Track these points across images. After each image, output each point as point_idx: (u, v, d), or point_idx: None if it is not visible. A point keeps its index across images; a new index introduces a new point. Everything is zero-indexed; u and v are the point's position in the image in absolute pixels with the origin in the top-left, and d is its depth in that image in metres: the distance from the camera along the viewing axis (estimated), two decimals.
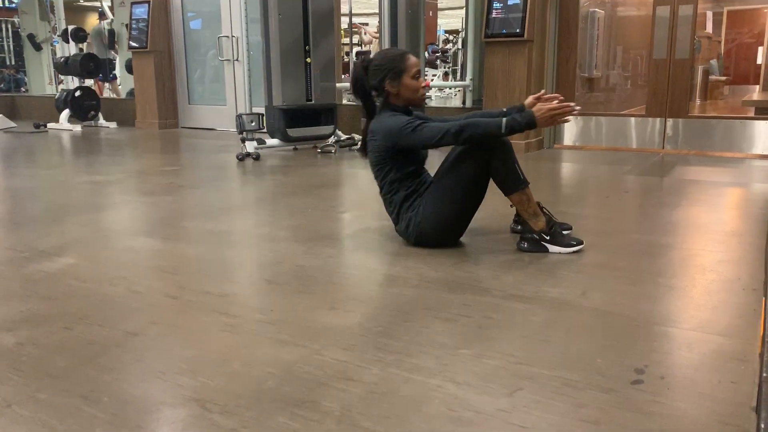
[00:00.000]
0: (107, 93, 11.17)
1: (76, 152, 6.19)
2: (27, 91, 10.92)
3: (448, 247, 2.64)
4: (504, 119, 2.42)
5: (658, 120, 5.64)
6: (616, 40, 8.04)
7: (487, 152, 2.50)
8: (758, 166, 4.76)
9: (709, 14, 10.41)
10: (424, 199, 2.61)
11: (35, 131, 8.13)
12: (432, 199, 2.59)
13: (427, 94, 8.43)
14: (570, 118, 2.49)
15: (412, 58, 2.65)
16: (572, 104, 2.45)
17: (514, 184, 2.55)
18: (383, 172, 2.65)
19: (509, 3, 5.39)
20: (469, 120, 2.49)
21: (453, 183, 2.57)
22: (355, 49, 11.46)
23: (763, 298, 1.97)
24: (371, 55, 2.77)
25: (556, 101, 2.48)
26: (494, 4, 5.46)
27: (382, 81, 2.61)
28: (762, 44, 10.65)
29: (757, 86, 10.49)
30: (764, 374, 1.30)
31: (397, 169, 2.62)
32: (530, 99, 2.68)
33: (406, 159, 2.62)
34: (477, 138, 2.47)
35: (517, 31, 5.35)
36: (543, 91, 2.69)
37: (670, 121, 5.60)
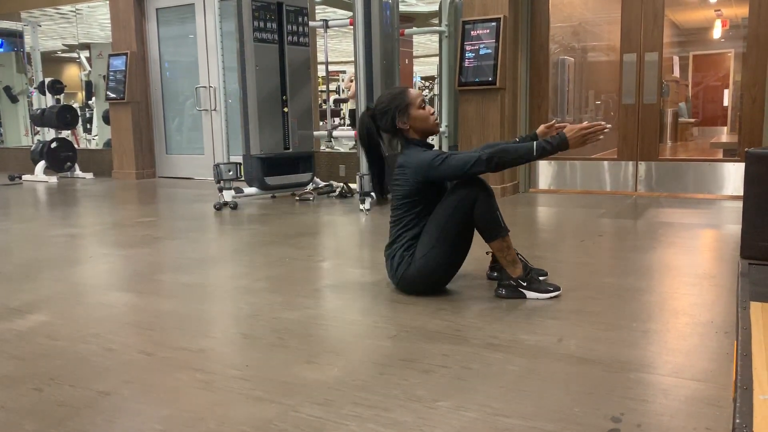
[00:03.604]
0: (84, 143, 11.16)
1: (52, 204, 6.14)
2: (2, 142, 10.86)
3: (426, 296, 2.65)
4: (535, 143, 2.47)
5: (630, 163, 5.76)
6: (587, 86, 8.25)
7: (471, 200, 2.53)
8: (729, 207, 4.86)
9: (676, 59, 10.73)
10: (418, 245, 2.63)
11: (9, 183, 8.06)
12: (422, 245, 2.61)
13: None
14: (602, 136, 2.51)
15: (413, 91, 2.70)
16: (603, 123, 2.49)
17: (495, 231, 2.57)
18: (410, 206, 2.64)
19: (481, 52, 5.53)
20: (498, 146, 2.53)
21: (441, 229, 2.58)
22: (333, 96, 11.61)
23: (735, 342, 1.99)
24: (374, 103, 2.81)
25: (586, 122, 2.52)
26: (466, 54, 5.60)
27: (393, 121, 2.66)
28: (727, 87, 10.97)
29: (725, 128, 10.77)
30: (737, 420, 1.31)
31: (425, 205, 2.63)
32: (541, 128, 2.73)
33: (435, 195, 2.63)
34: (509, 163, 2.50)
35: (490, 79, 5.48)
36: (554, 121, 2.73)
37: (641, 164, 5.72)
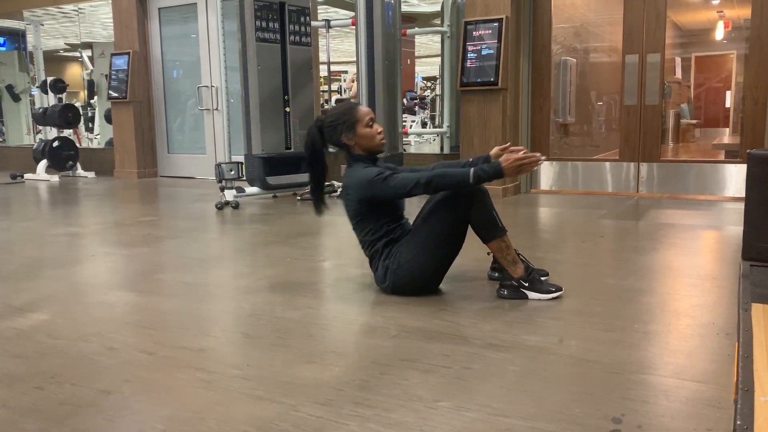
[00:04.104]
0: (86, 142, 11.17)
1: (53, 203, 6.14)
2: (4, 141, 10.88)
3: (426, 295, 2.65)
4: (471, 169, 2.48)
5: (631, 164, 5.76)
6: (589, 87, 8.24)
7: (466, 200, 2.54)
8: (730, 209, 4.85)
9: (678, 60, 10.72)
10: (402, 247, 2.63)
11: (11, 182, 8.07)
12: (409, 248, 2.61)
13: (405, 140, 8.53)
14: (536, 167, 2.56)
15: (363, 108, 2.73)
16: (538, 154, 2.52)
17: (492, 231, 2.57)
18: (362, 225, 2.69)
19: (483, 53, 5.53)
20: (437, 171, 2.55)
21: (430, 231, 2.59)
22: (335, 96, 11.63)
23: (736, 343, 1.99)
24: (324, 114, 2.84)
25: (522, 152, 2.54)
26: (468, 54, 5.60)
27: (339, 136, 2.68)
28: (729, 88, 10.97)
29: (727, 129, 10.77)
30: (738, 422, 1.31)
31: (375, 221, 2.66)
32: (495, 150, 2.76)
33: (383, 210, 2.66)
34: (445, 187, 2.53)
35: (492, 79, 5.47)
36: (509, 144, 2.76)
37: (643, 166, 5.71)
